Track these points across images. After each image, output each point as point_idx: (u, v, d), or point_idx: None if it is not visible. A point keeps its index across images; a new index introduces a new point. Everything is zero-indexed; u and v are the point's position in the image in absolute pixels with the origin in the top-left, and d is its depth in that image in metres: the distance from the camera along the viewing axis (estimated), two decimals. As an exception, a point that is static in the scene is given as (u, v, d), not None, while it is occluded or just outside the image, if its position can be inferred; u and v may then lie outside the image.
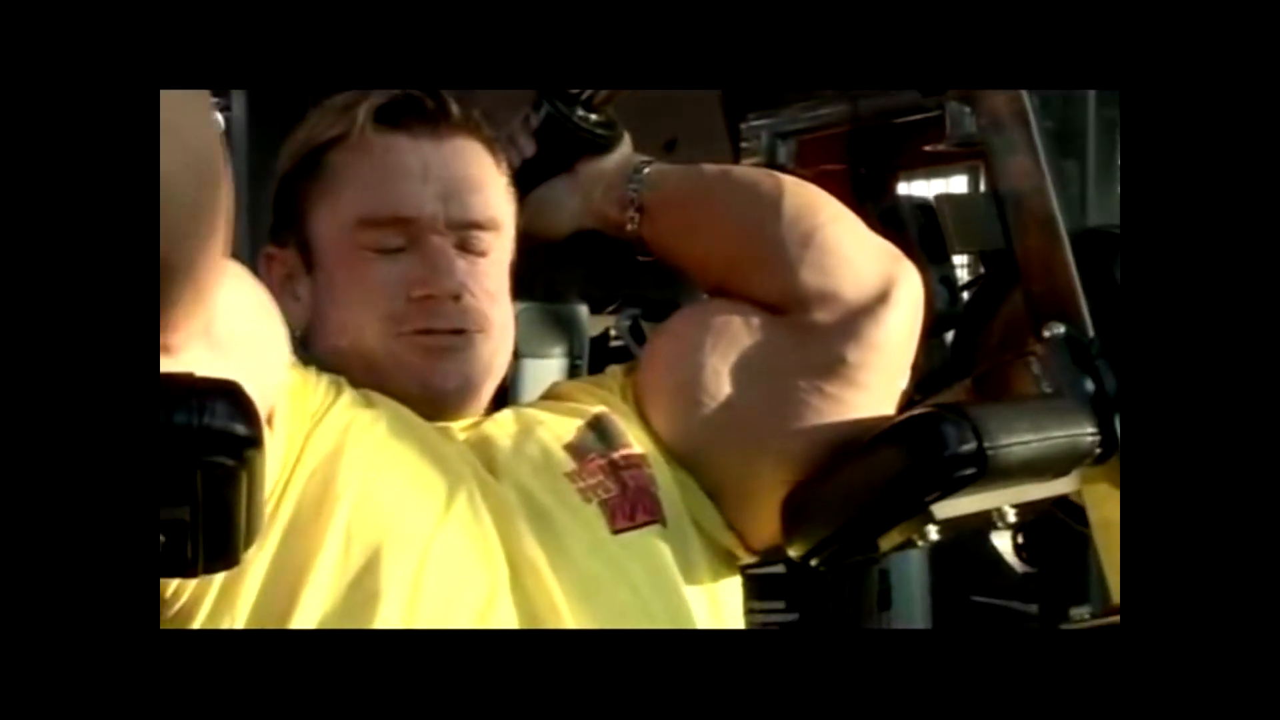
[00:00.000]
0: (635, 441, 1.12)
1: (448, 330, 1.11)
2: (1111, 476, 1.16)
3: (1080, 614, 2.00)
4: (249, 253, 1.17)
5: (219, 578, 0.92)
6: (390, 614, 0.95)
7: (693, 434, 1.13)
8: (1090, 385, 1.20)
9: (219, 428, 0.80)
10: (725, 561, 1.13)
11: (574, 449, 1.10)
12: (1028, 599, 2.52)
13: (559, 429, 1.11)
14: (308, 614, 0.94)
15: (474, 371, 1.12)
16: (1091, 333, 1.23)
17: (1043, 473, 1.09)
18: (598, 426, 1.12)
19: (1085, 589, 2.02)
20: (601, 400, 1.15)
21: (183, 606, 0.94)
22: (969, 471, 1.01)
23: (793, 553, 1.11)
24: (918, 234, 1.63)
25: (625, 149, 1.27)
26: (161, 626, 0.91)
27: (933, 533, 1.04)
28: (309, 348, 1.14)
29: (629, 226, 1.22)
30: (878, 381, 1.12)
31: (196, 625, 0.94)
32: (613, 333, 1.71)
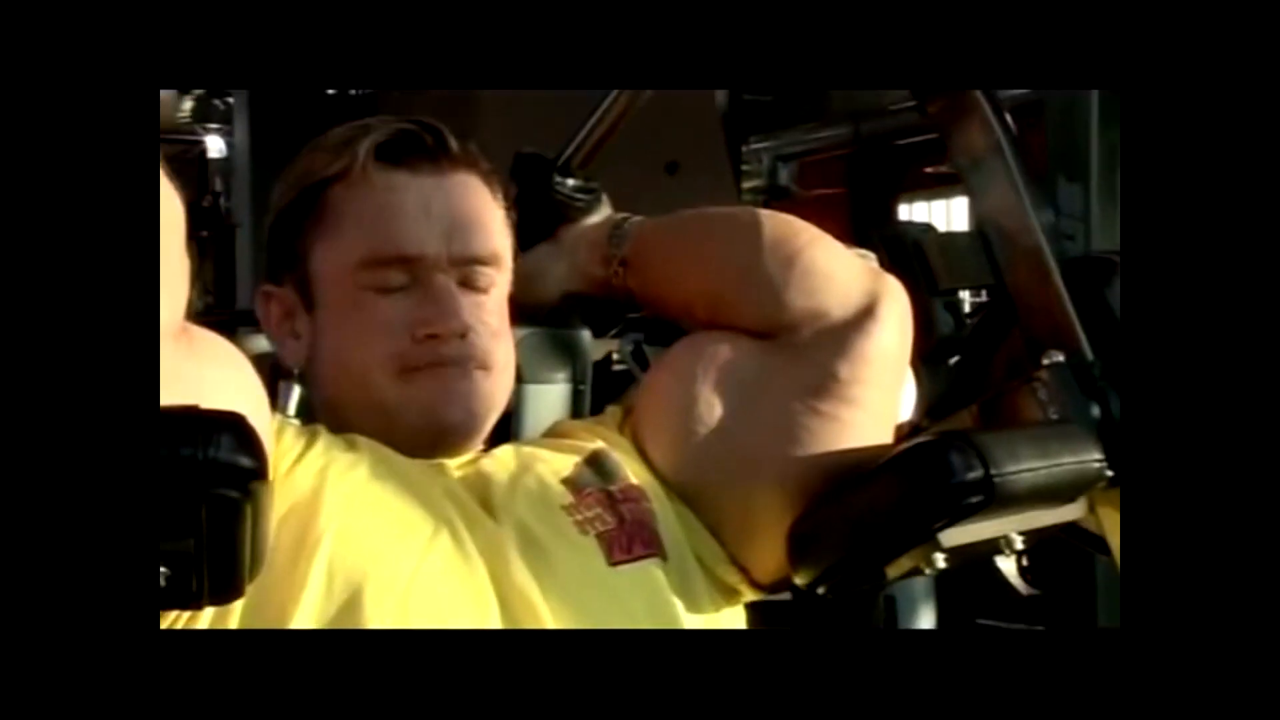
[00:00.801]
0: (634, 475, 1.11)
1: (454, 365, 1.10)
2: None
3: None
4: (253, 281, 1.17)
5: (207, 614, 0.91)
6: None
7: (690, 465, 1.13)
8: (1096, 410, 1.20)
9: (224, 460, 0.81)
10: (727, 595, 1.12)
11: (571, 483, 1.09)
12: (1033, 621, 2.51)
13: (556, 464, 1.11)
14: None
15: (479, 407, 1.12)
16: (1091, 357, 1.23)
17: (1050, 499, 1.09)
18: (595, 461, 1.11)
19: (1093, 610, 2.01)
20: (600, 437, 1.15)
21: None
22: (976, 499, 1.00)
23: (799, 580, 1.11)
24: (921, 258, 1.63)
25: (605, 210, 1.32)
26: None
27: (940, 560, 1.03)
28: (311, 384, 1.14)
29: (615, 281, 1.24)
30: (872, 397, 1.13)
31: None
32: (615, 357, 1.71)
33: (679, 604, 1.06)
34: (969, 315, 1.60)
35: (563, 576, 1.02)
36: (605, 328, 1.54)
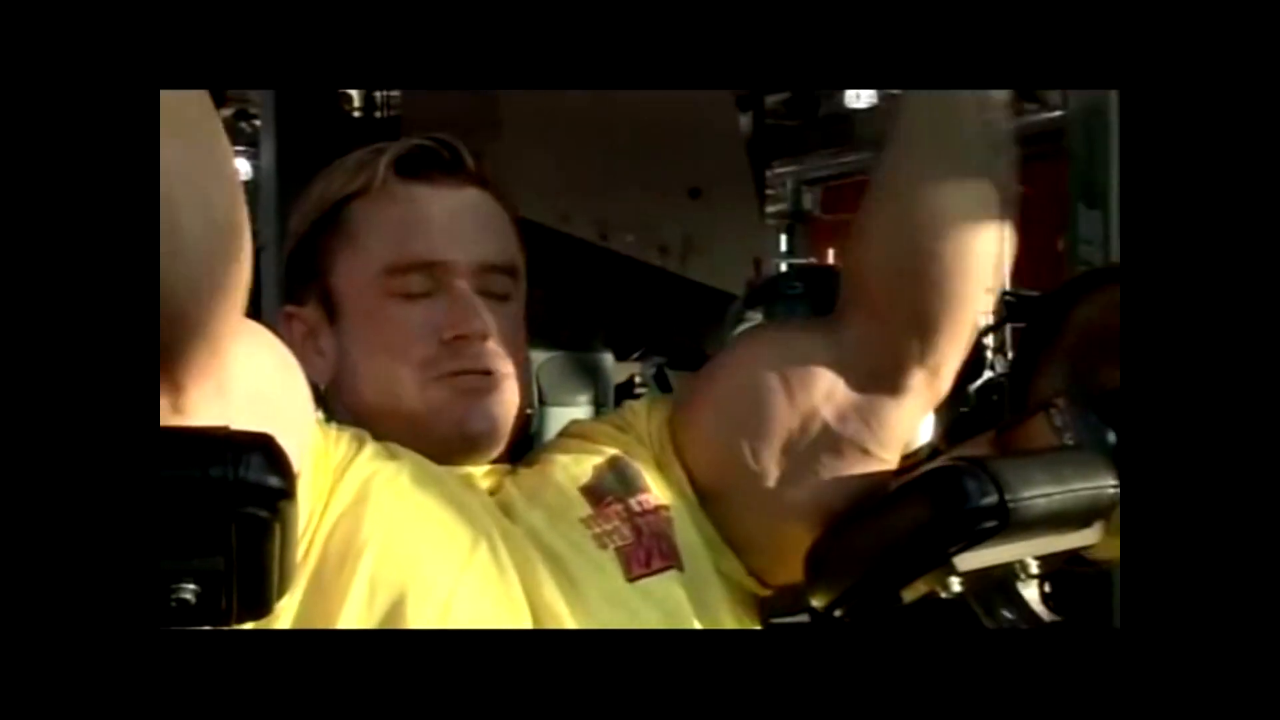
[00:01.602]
0: (654, 484, 1.12)
1: (480, 371, 1.13)
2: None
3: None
4: (277, 304, 1.19)
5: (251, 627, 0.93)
6: None
7: (727, 475, 1.12)
8: (1112, 437, 1.20)
9: (254, 480, 0.82)
10: (746, 607, 1.13)
11: (591, 492, 1.10)
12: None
13: (576, 471, 1.12)
14: None
15: (502, 413, 1.14)
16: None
17: (1065, 525, 1.09)
18: (616, 469, 1.12)
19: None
20: (621, 444, 1.15)
21: None
22: (990, 524, 1.01)
23: (815, 603, 1.11)
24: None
25: None
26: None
27: (955, 584, 1.04)
28: (335, 401, 1.15)
29: None
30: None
31: None
32: (638, 380, 1.72)
33: (695, 616, 1.07)
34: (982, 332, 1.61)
35: (584, 591, 1.03)
36: (627, 351, 1.56)
